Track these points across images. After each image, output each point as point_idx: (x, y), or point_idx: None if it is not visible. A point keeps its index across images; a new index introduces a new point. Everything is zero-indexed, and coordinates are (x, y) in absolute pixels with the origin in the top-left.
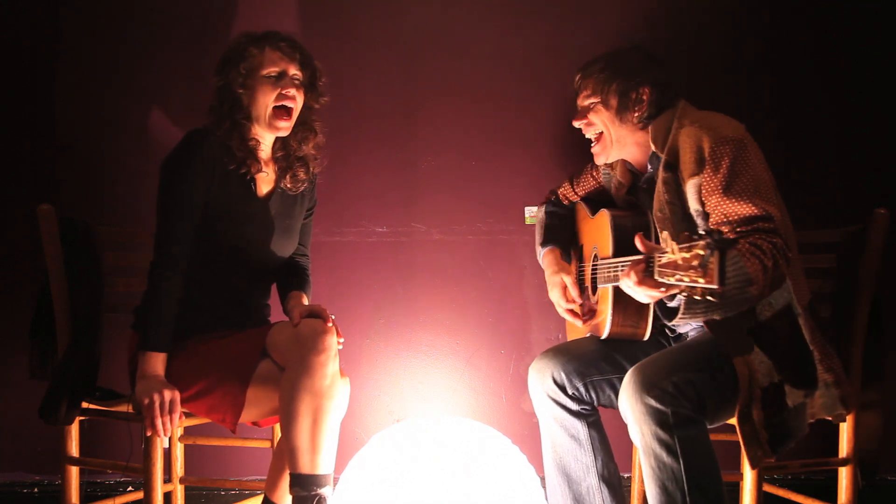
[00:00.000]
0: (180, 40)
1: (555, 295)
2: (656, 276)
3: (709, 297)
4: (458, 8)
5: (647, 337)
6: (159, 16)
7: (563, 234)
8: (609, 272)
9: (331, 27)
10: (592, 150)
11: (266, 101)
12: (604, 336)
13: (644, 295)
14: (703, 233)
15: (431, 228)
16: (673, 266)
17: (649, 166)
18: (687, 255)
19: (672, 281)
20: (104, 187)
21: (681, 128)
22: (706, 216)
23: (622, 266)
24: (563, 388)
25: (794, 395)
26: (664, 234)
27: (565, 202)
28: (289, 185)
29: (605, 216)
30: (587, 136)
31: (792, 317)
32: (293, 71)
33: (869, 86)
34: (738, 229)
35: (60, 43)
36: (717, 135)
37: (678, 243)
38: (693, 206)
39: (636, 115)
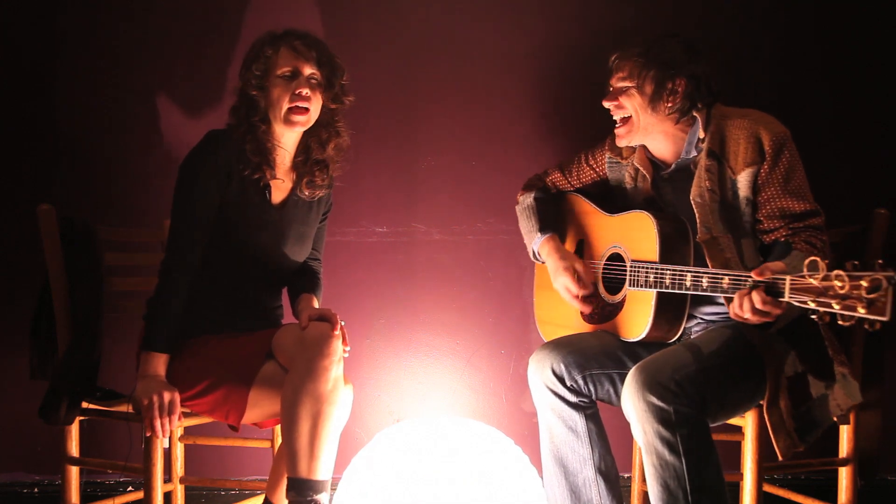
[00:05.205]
0: (181, 39)
1: (565, 280)
2: (787, 298)
3: (865, 326)
4: (458, 8)
5: (673, 340)
6: (160, 14)
7: (556, 220)
8: (652, 276)
9: (330, 27)
10: (616, 131)
11: (281, 101)
12: (638, 338)
13: (762, 312)
14: (879, 267)
15: (431, 228)
16: (808, 290)
17: (694, 151)
18: (844, 283)
19: (811, 305)
20: (104, 187)
21: (726, 118)
22: (755, 206)
23: (691, 274)
24: (561, 380)
25: (816, 386)
26: (807, 262)
27: (553, 191)
28: (305, 192)
29: (645, 219)
30: (615, 117)
31: None
32: (309, 70)
33: (869, 86)
34: (792, 225)
35: (60, 43)
36: (774, 128)
37: (846, 272)
38: (743, 193)
39: (669, 105)
